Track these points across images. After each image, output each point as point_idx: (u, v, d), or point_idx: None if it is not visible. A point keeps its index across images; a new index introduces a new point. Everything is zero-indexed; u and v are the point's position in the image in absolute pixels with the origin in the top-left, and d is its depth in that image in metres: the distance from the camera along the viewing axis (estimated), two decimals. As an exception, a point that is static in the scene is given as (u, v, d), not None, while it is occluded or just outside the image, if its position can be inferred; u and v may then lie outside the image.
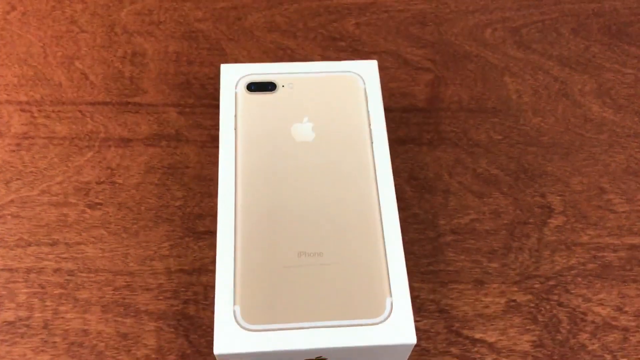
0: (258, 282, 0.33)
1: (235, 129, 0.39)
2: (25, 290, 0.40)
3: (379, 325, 0.32)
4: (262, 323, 0.32)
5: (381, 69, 0.53)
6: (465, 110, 0.50)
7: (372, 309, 0.33)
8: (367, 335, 0.32)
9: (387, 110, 0.50)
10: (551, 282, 0.42)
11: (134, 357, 0.38)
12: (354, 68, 0.42)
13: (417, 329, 0.33)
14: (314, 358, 0.33)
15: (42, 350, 0.38)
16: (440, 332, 0.40)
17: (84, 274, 0.41)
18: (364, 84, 0.41)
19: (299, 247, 0.35)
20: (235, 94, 0.40)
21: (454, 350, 0.39)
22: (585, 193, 0.46)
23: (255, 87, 0.41)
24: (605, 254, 0.43)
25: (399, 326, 0.32)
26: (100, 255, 0.42)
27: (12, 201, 0.44)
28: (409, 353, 0.34)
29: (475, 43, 0.55)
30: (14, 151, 0.46)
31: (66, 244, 0.42)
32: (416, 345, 0.33)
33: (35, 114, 0.48)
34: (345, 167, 0.38)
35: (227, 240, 0.34)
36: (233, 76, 0.41)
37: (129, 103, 0.49)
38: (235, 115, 0.39)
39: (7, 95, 0.49)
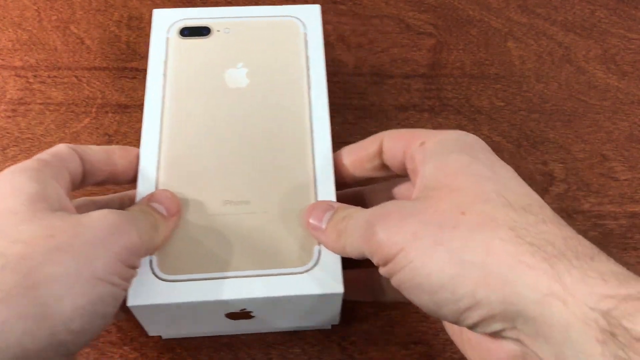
0: (177, 232, 0.32)
1: (164, 74, 0.37)
2: (24, 257, 0.40)
3: (304, 274, 0.31)
4: (180, 273, 0.30)
5: (382, 33, 0.52)
6: (468, 77, 0.50)
7: (298, 257, 0.31)
8: (290, 285, 0.30)
9: (389, 76, 0.49)
10: (551, 250, 0.42)
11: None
12: (295, 13, 0.40)
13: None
14: (238, 311, 0.32)
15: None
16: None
17: (83, 241, 0.41)
18: (305, 29, 0.39)
19: (224, 195, 0.33)
20: (167, 39, 0.38)
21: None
22: (588, 160, 0.46)
23: (189, 32, 0.38)
24: (606, 222, 0.43)
25: (326, 275, 0.31)
26: (99, 222, 0.42)
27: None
28: (339, 304, 0.32)
29: (479, 7, 0.54)
30: (9, 117, 0.46)
31: (64, 211, 0.42)
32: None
33: (31, 80, 0.48)
34: (279, 114, 0.36)
35: (148, 190, 0.33)
36: (166, 21, 0.39)
37: (125, 68, 0.49)
38: (165, 61, 0.37)
39: (2, 60, 0.49)
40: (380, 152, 0.32)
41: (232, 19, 0.39)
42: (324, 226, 0.30)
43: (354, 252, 0.28)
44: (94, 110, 0.46)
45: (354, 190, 0.37)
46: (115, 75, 0.48)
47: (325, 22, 0.52)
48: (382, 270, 0.27)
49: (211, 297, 0.30)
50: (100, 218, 0.27)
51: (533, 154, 0.46)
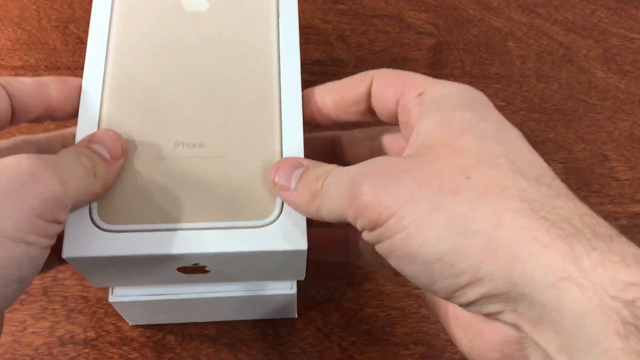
0: (122, 177, 0.28)
1: (112, 2, 0.32)
2: (24, 257, 0.40)
3: (265, 228, 0.27)
4: (123, 223, 0.27)
5: (383, 33, 0.52)
6: (468, 76, 0.50)
7: (259, 210, 0.27)
8: (248, 240, 0.27)
9: (389, 75, 0.49)
10: (552, 250, 0.42)
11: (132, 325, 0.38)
12: None
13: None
14: (190, 266, 0.28)
15: (42, 317, 0.38)
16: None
17: (82, 241, 0.41)
18: None
19: (176, 136, 0.29)
20: None
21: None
22: (588, 160, 0.46)
23: None
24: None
25: (289, 230, 0.27)
26: (99, 222, 0.42)
27: (8, 168, 0.43)
28: (303, 261, 0.28)
29: (479, 7, 0.54)
30: (9, 117, 0.46)
31: (64, 211, 0.42)
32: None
33: (31, 79, 0.48)
34: (242, 44, 0.31)
35: (89, 128, 0.29)
36: None
37: (125, 68, 0.49)
38: None
39: (1, 59, 0.48)
40: (368, 96, 0.28)
41: None
42: (292, 185, 0.26)
43: (331, 215, 0.25)
44: (93, 110, 0.46)
45: (330, 135, 0.33)
46: (115, 75, 0.48)
47: (325, 22, 0.52)
48: (367, 236, 0.23)
49: (158, 251, 0.26)
50: (12, 166, 0.23)
51: (533, 153, 0.46)
